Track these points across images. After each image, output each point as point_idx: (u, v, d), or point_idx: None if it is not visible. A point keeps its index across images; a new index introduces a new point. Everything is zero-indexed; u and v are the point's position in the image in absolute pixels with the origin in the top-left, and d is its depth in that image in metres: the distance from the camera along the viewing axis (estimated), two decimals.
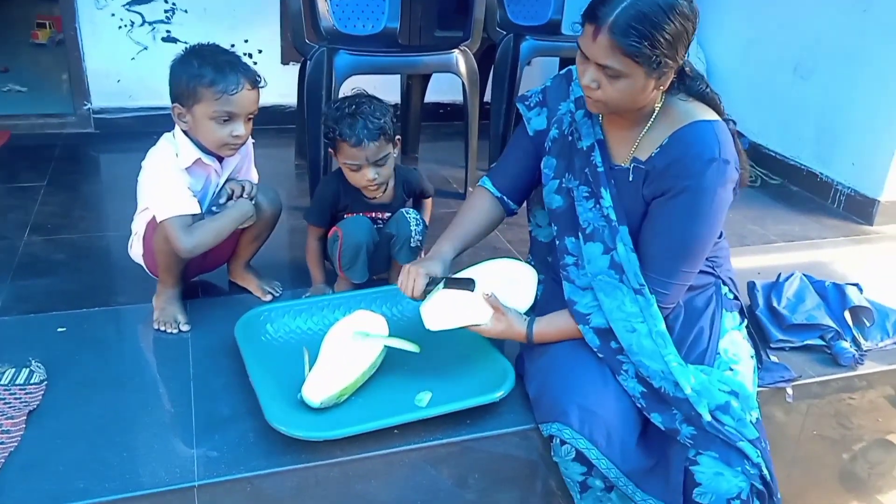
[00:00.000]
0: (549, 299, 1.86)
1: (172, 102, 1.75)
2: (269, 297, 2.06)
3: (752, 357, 1.69)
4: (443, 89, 3.37)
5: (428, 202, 2.18)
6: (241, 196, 1.85)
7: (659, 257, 1.54)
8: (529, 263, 2.01)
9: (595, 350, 1.58)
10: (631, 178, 1.56)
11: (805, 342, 1.95)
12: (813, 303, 2.00)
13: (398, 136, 1.97)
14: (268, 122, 3.32)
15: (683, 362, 1.52)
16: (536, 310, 1.89)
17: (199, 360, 1.79)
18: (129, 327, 1.92)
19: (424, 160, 3.21)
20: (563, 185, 1.69)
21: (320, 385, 1.61)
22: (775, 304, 2.01)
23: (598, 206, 1.60)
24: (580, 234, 1.62)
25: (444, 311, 1.63)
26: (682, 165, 1.48)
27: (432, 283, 1.65)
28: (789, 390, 1.82)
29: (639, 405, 1.54)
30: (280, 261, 2.27)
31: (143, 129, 3.18)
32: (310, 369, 1.66)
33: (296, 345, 1.83)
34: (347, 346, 1.69)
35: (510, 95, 2.99)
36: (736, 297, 1.74)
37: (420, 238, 2.01)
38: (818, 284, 2.08)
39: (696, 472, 1.46)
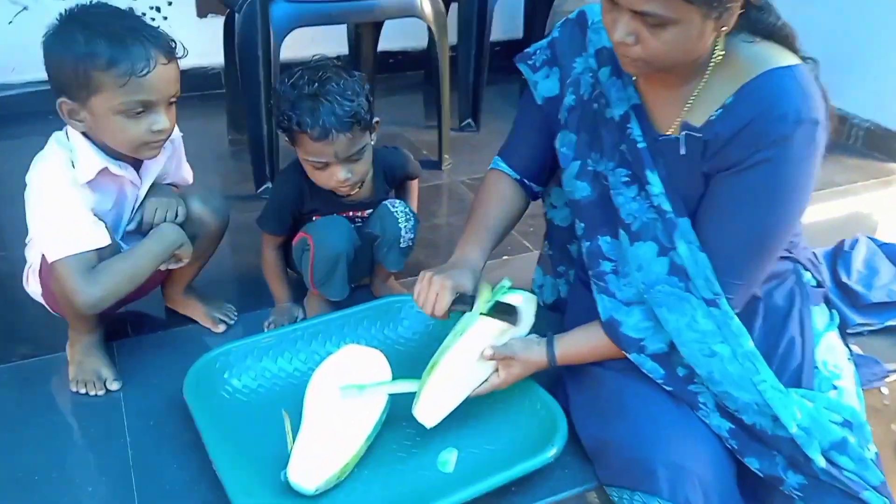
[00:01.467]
0: (576, 301, 1.47)
1: (57, 97, 1.24)
2: (221, 328, 1.60)
3: (850, 360, 1.33)
4: (393, 35, 2.87)
5: (413, 185, 1.73)
6: (165, 220, 1.37)
7: (725, 252, 1.14)
8: (547, 254, 1.61)
9: (660, 382, 1.20)
10: (683, 152, 1.16)
11: (886, 323, 1.61)
12: (889, 273, 1.66)
13: (376, 120, 1.50)
14: (187, 88, 2.77)
15: (784, 388, 1.15)
16: (565, 314, 1.51)
17: (138, 429, 1.34)
18: (36, 391, 1.44)
19: (383, 122, 2.71)
20: (589, 168, 1.27)
21: (312, 465, 1.18)
22: (845, 278, 1.66)
23: (643, 193, 1.19)
24: (622, 231, 1.21)
25: (440, 397, 1.24)
26: (758, 131, 1.08)
27: (459, 301, 1.24)
28: (884, 389, 1.49)
29: (729, 446, 1.18)
30: (227, 273, 1.80)
31: (38, 107, 2.57)
32: (293, 440, 1.23)
33: (266, 397, 1.39)
34: (339, 408, 1.26)
35: (480, 36, 2.52)
36: (819, 284, 1.38)
37: (411, 236, 1.57)
38: (888, 248, 1.74)
39: None
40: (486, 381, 1.26)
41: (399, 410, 1.29)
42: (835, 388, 1.24)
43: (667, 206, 1.16)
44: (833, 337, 1.33)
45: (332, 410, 1.25)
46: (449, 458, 1.26)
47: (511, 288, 1.29)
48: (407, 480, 1.22)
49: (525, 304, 1.28)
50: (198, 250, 1.47)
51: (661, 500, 1.12)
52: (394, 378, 1.32)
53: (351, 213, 1.58)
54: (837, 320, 1.35)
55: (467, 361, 1.23)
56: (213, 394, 1.36)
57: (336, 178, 1.45)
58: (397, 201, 1.58)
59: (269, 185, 2.17)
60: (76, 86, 1.21)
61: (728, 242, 1.14)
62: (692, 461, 1.14)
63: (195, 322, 1.61)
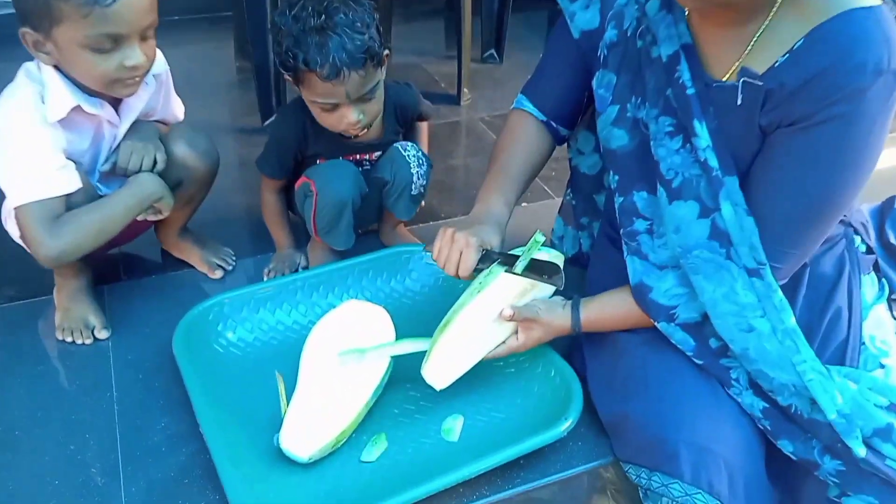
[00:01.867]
0: (600, 258, 1.35)
1: (20, 25, 1.11)
2: (218, 273, 1.50)
3: None
4: None
5: (424, 127, 1.59)
6: (143, 169, 1.25)
7: (779, 217, 1.01)
8: (570, 203, 1.49)
9: (690, 355, 1.09)
10: (740, 101, 1.01)
11: None
12: None
13: (387, 52, 1.34)
14: (196, 9, 2.61)
15: (825, 370, 1.03)
16: (587, 269, 1.39)
17: (126, 382, 1.26)
18: (21, 338, 1.36)
19: (400, 51, 2.55)
20: (629, 115, 1.13)
21: (307, 432, 1.10)
22: (893, 239, 1.51)
23: (688, 146, 1.05)
24: (660, 187, 1.08)
25: (452, 358, 1.13)
26: (831, 82, 0.92)
27: (485, 259, 1.12)
28: None
29: (761, 427, 1.08)
30: (227, 214, 1.69)
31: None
32: (287, 404, 1.15)
33: (261, 353, 1.30)
34: (337, 372, 1.17)
35: None
36: (870, 250, 1.25)
37: (424, 182, 1.45)
38: None
39: None
40: (503, 343, 1.16)
41: (403, 371, 1.20)
42: (882, 366, 1.12)
43: (714, 162, 1.02)
44: (882, 309, 1.20)
45: (330, 375, 1.16)
46: (454, 426, 1.17)
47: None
48: (407, 450, 1.14)
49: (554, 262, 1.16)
50: (184, 196, 1.36)
51: (682, 484, 1.03)
52: (399, 338, 1.22)
53: (358, 156, 1.45)
54: (887, 291, 1.22)
55: (485, 321, 1.12)
56: (204, 348, 1.27)
57: (347, 120, 1.31)
58: (409, 144, 1.45)
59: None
60: (37, 14, 1.08)
61: (784, 207, 1.00)
62: (718, 443, 1.04)
63: (191, 267, 1.52)
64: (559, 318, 1.14)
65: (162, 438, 1.17)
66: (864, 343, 1.14)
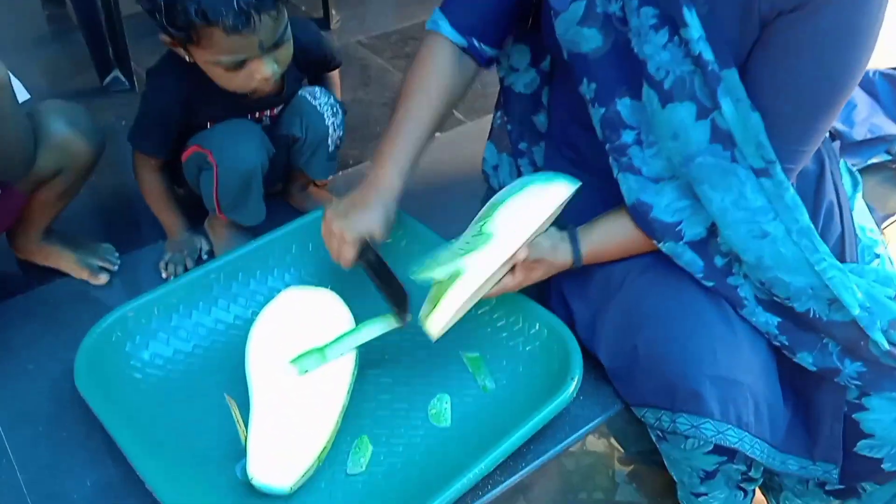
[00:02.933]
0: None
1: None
2: (102, 278, 1.23)
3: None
4: None
5: (335, 76, 1.34)
6: None
7: (785, 112, 0.92)
8: (502, 127, 1.32)
9: (699, 277, 0.99)
10: None
11: (870, 161, 1.47)
12: (866, 106, 1.50)
13: None
14: None
15: (840, 265, 0.97)
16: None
17: (23, 443, 1.00)
18: None
19: None
20: (599, 10, 0.97)
21: (280, 458, 0.91)
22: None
23: (676, 38, 0.92)
24: (650, 90, 0.95)
25: (459, 305, 0.95)
26: None
27: (365, 253, 1.00)
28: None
29: (777, 343, 1.01)
30: (93, 202, 1.39)
31: None
32: (247, 429, 0.94)
33: (189, 369, 1.07)
34: (297, 382, 0.97)
35: None
36: (833, 136, 1.19)
37: (341, 134, 1.23)
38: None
39: (864, 419, 0.99)
40: (497, 282, 1.00)
41: (364, 357, 1.03)
42: (877, 256, 1.08)
43: (708, 55, 0.89)
44: (860, 199, 1.16)
45: (289, 386, 0.96)
46: (442, 409, 1.02)
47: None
48: (397, 449, 0.97)
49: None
50: (59, 189, 1.07)
51: (714, 422, 0.94)
52: (357, 320, 1.03)
53: (257, 115, 1.20)
54: (860, 178, 1.17)
55: (497, 268, 0.95)
56: (117, 377, 1.02)
57: (259, 75, 1.07)
58: (317, 89, 1.22)
59: (118, 73, 1.70)
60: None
61: (791, 101, 0.90)
62: (741, 371, 0.96)
63: (65, 275, 1.23)
64: (561, 254, 1.01)
65: (94, 498, 0.93)
66: (857, 237, 1.09)
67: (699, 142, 0.93)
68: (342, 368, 0.98)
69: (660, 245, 0.99)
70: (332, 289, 1.09)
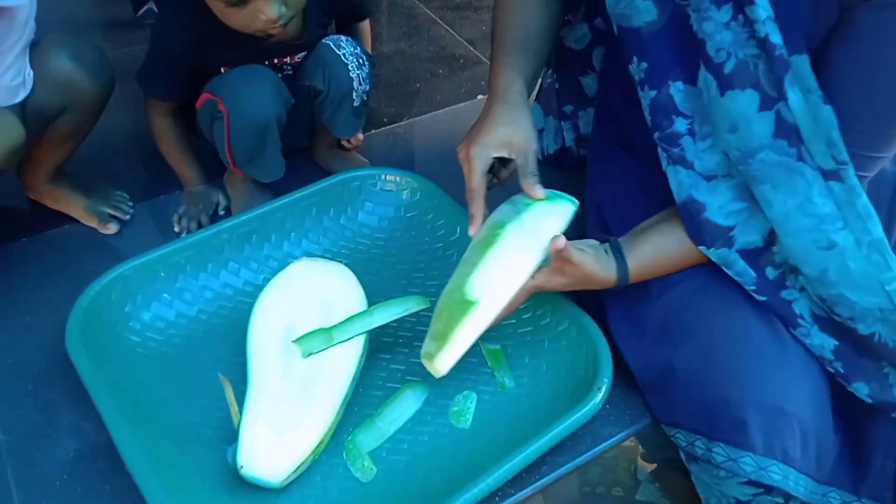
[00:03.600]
0: (602, 158, 1.10)
1: None
2: (112, 227, 1.16)
3: None
4: None
5: (365, 27, 1.23)
6: None
7: (864, 117, 0.79)
8: (551, 86, 1.21)
9: (751, 290, 0.88)
10: None
11: None
12: None
13: None
14: None
15: None
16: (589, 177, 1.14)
17: (10, 400, 0.94)
18: None
19: None
20: None
21: (273, 448, 0.84)
22: None
23: (741, 17, 0.79)
24: (707, 74, 0.83)
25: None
26: None
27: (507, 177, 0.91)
28: None
29: (831, 370, 0.89)
30: (112, 145, 1.31)
31: None
32: (241, 413, 0.87)
33: (190, 337, 1.01)
34: (299, 365, 0.89)
35: None
36: None
37: (367, 88, 1.13)
38: None
39: None
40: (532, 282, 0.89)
41: (375, 336, 0.95)
42: None
43: (776, 38, 0.77)
44: None
45: (290, 368, 0.89)
46: (465, 408, 0.93)
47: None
48: (403, 448, 0.90)
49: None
50: (66, 129, 1.00)
51: (755, 456, 0.84)
52: (370, 300, 0.95)
53: (276, 61, 1.10)
54: None
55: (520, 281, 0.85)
56: (112, 340, 0.96)
57: (264, 16, 0.96)
58: (342, 38, 1.11)
59: (152, 4, 1.61)
60: None
61: (871, 101, 0.77)
62: (790, 400, 0.85)
63: (74, 220, 1.17)
64: (605, 269, 0.88)
65: (72, 473, 0.88)
66: None
67: (762, 136, 0.81)
68: (347, 356, 0.90)
69: (709, 252, 0.88)
70: (347, 264, 1.01)
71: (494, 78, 0.93)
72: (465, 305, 0.81)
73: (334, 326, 0.91)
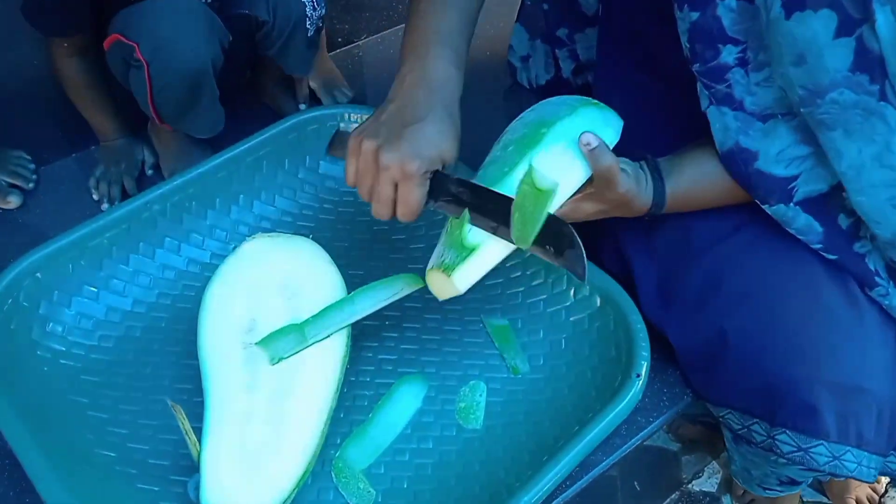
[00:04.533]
0: (612, 85, 0.92)
1: None
2: (12, 201, 0.94)
3: None
4: None
5: None
6: None
7: None
8: (536, 7, 1.02)
9: (817, 248, 0.72)
10: None
11: None
12: None
13: None
14: None
15: None
16: None
17: None
18: None
19: None
20: None
21: (246, 481, 0.67)
22: None
23: None
24: None
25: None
26: None
27: (439, 190, 0.66)
28: None
29: None
30: (3, 90, 1.06)
31: None
32: (200, 444, 0.69)
33: (125, 339, 0.81)
34: (268, 374, 0.71)
35: None
36: None
37: (322, 13, 0.90)
38: None
39: None
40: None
41: (360, 329, 0.77)
42: None
43: None
44: None
45: (257, 379, 0.71)
46: (474, 402, 0.77)
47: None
48: (404, 460, 0.74)
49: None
50: None
51: (827, 444, 0.71)
52: (348, 282, 0.77)
53: None
54: None
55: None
56: (26, 356, 0.76)
57: None
58: None
59: None
60: None
61: None
62: (868, 376, 0.71)
63: None
64: (643, 194, 0.70)
65: None
66: None
67: (836, 69, 0.63)
68: (328, 355, 0.72)
69: (766, 208, 0.71)
70: (312, 230, 0.82)
71: (430, 62, 0.69)
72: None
73: (307, 322, 0.72)
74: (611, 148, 0.67)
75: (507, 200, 0.64)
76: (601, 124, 0.69)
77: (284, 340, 0.72)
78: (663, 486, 1.13)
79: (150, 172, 0.98)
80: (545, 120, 0.69)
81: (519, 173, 0.65)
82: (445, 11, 0.71)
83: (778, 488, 0.89)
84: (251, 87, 1.05)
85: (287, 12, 0.87)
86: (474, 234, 0.65)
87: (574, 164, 0.66)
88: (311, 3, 0.88)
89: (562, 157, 0.66)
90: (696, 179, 0.73)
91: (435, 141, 0.65)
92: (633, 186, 0.69)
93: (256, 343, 0.71)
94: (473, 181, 0.67)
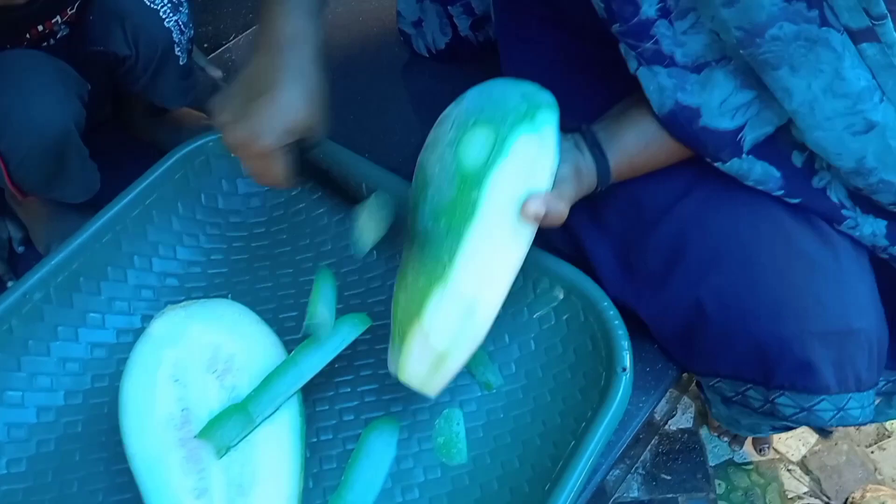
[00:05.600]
0: (513, 45, 0.84)
1: None
2: None
3: None
4: None
5: None
6: None
7: None
8: None
9: (779, 195, 0.68)
10: None
11: None
12: None
13: None
14: None
15: None
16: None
17: None
18: None
19: None
20: None
21: None
22: None
23: None
24: None
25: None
26: None
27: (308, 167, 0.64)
28: None
29: (885, 256, 0.72)
30: None
31: None
32: None
33: (40, 469, 0.69)
34: (216, 474, 0.61)
35: None
36: None
37: (191, 35, 0.78)
38: None
39: None
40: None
41: (309, 383, 0.68)
42: None
43: None
44: None
45: (205, 478, 0.61)
46: (453, 434, 0.70)
47: None
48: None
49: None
50: None
51: (829, 398, 0.67)
52: (283, 338, 0.67)
53: (40, 28, 0.71)
54: None
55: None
56: None
57: None
58: None
59: None
60: None
61: None
62: (855, 315, 0.68)
63: None
64: (586, 177, 0.66)
65: None
66: None
67: (772, 2, 0.57)
68: (282, 428, 0.63)
69: (719, 165, 0.65)
70: (230, 289, 0.71)
71: (277, 20, 0.61)
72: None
73: (248, 399, 0.62)
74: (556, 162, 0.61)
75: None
76: (539, 153, 0.61)
77: (228, 426, 0.62)
78: (640, 437, 1.10)
79: (20, 250, 0.84)
80: (474, 170, 0.60)
81: (457, 267, 0.60)
82: None
83: (770, 432, 0.86)
84: (116, 125, 0.91)
85: (150, 41, 0.74)
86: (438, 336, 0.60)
87: (516, 237, 0.61)
88: (177, 28, 0.75)
89: (501, 230, 0.60)
90: (638, 145, 0.67)
91: (286, 111, 0.59)
92: (577, 189, 0.64)
93: (196, 436, 0.61)
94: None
